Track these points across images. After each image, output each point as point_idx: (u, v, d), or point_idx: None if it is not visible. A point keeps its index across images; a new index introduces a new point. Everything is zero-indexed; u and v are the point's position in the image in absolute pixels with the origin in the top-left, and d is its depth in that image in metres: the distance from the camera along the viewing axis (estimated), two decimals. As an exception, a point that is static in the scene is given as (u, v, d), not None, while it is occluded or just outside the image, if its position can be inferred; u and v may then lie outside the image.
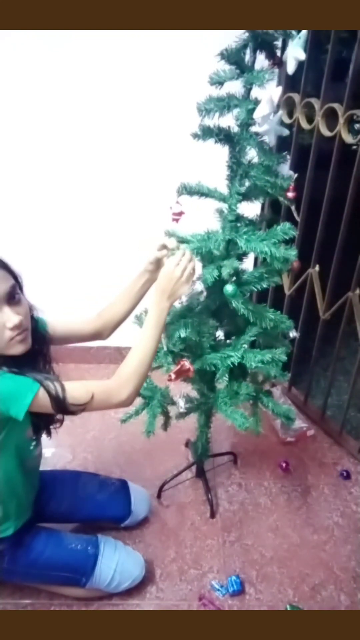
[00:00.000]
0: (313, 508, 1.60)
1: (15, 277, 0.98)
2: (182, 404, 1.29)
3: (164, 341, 1.18)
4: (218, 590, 1.34)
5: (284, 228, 1.07)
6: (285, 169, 1.08)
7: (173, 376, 1.12)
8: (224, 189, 1.14)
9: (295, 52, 0.95)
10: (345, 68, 1.38)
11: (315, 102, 1.52)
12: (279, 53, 1.01)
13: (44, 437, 1.20)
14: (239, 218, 1.14)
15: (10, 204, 1.91)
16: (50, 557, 1.21)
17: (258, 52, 0.99)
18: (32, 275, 2.11)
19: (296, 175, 1.11)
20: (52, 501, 1.35)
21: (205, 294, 1.25)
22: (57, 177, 1.86)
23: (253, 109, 0.99)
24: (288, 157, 1.09)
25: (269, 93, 0.95)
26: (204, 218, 1.16)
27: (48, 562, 1.21)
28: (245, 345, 1.21)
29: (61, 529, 1.32)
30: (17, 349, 0.97)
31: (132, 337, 1.07)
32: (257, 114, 0.97)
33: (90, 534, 1.32)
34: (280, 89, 0.96)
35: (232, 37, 0.97)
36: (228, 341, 1.29)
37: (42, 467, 1.30)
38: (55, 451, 1.77)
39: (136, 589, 1.31)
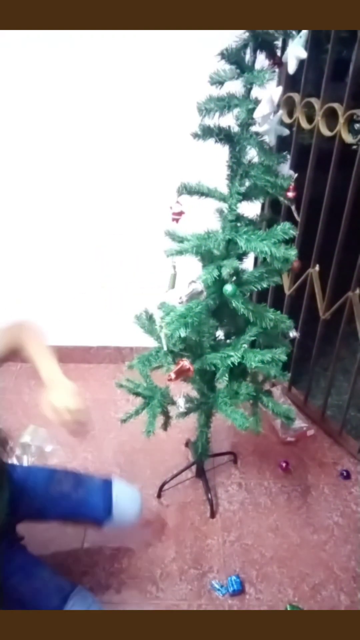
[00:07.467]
0: (313, 508, 1.60)
1: None
2: (182, 404, 1.29)
3: (164, 341, 1.18)
4: (218, 590, 1.34)
5: (284, 228, 1.06)
6: (285, 169, 1.08)
7: (173, 376, 1.12)
8: (224, 189, 1.14)
9: (296, 51, 0.95)
10: (345, 68, 1.38)
11: (315, 102, 1.52)
12: (279, 53, 1.01)
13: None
14: (239, 218, 1.14)
15: (9, 204, 1.91)
16: (8, 588, 1.11)
17: (258, 52, 0.98)
18: (31, 274, 2.12)
19: (296, 175, 1.11)
20: (24, 499, 1.28)
21: (205, 293, 1.25)
22: (57, 176, 1.86)
23: (253, 109, 0.98)
24: (288, 156, 1.09)
25: (269, 93, 0.95)
26: (204, 218, 1.16)
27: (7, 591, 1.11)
28: (245, 345, 1.20)
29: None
30: None
31: (132, 337, 1.06)
32: (257, 114, 0.97)
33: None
34: (280, 89, 0.96)
35: (232, 37, 0.97)
36: (228, 341, 1.29)
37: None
38: (55, 448, 1.76)
39: (136, 589, 1.31)
